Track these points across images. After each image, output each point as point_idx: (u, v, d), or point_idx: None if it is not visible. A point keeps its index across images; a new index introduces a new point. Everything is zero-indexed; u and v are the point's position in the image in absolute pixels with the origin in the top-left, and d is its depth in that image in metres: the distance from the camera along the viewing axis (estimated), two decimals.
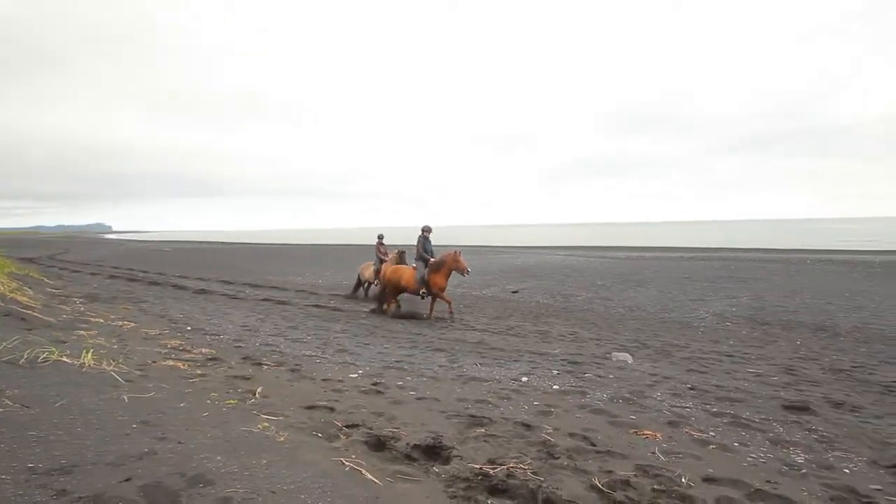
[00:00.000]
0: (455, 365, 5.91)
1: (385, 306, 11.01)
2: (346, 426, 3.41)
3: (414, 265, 10.85)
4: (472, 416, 3.78)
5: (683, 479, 2.77)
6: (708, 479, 2.81)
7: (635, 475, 2.81)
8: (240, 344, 6.48)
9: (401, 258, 12.25)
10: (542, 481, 2.63)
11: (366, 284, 13.66)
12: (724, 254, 30.43)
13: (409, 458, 2.93)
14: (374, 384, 4.71)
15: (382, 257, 13.26)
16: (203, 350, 5.66)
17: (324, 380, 4.80)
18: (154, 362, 4.67)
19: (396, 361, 6.00)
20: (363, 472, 2.57)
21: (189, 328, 7.42)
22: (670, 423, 3.84)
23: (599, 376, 5.49)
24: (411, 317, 10.60)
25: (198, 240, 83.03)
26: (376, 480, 2.50)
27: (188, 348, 5.69)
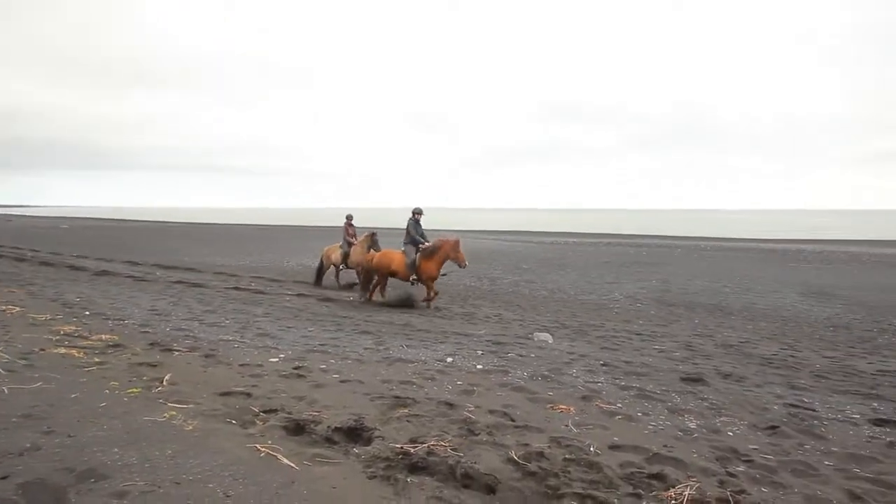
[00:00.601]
0: (381, 347, 5.88)
1: (369, 294, 10.41)
2: (264, 411, 3.28)
3: (403, 249, 10.12)
4: (397, 397, 3.79)
5: (592, 448, 2.96)
6: (613, 447, 3.02)
7: (549, 447, 2.95)
8: (147, 329, 6.00)
9: (373, 241, 11.64)
10: (461, 457, 2.69)
11: (338, 269, 12.68)
12: (638, 240, 32.67)
13: (329, 441, 2.88)
14: (296, 368, 4.57)
15: (351, 240, 12.42)
16: (103, 336, 5.19)
17: (241, 365, 4.58)
18: (42, 350, 4.21)
19: (321, 345, 5.86)
20: (279, 457, 2.49)
21: (87, 313, 6.76)
22: (583, 398, 4.08)
23: (521, 356, 5.71)
24: (404, 305, 9.90)
25: (101, 216, 75.51)
26: (293, 465, 2.43)
27: (85, 334, 5.18)
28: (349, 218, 12.99)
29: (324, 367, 4.71)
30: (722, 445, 3.17)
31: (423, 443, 2.86)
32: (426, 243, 9.73)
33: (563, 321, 8.71)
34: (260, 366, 4.59)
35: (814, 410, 4.05)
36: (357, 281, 11.76)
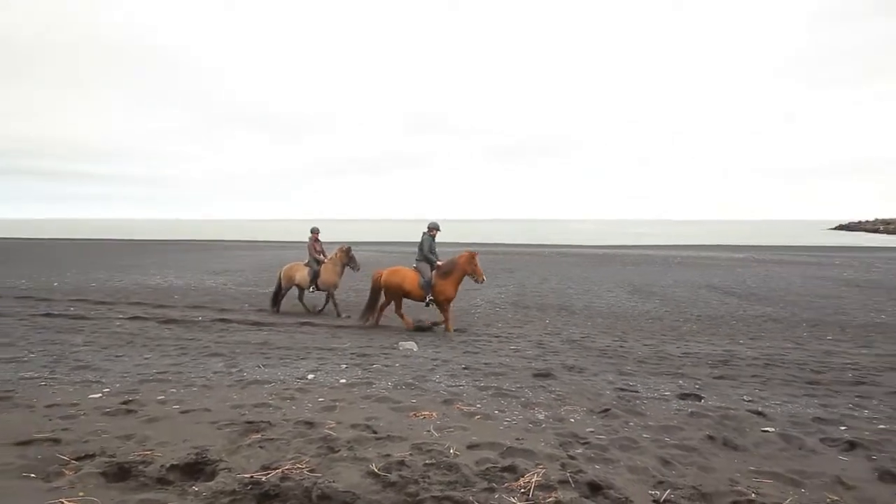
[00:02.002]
0: (234, 370, 5.38)
1: (376, 317, 9.12)
2: (77, 458, 2.77)
3: (415, 266, 9.06)
4: (249, 423, 3.49)
5: (451, 450, 3.04)
6: (471, 446, 3.14)
7: (410, 454, 2.96)
8: None
9: (349, 257, 10.35)
10: (318, 478, 2.56)
11: (302, 291, 10.83)
12: (498, 248, 34.98)
13: (161, 482, 2.52)
14: (125, 403, 3.95)
15: (319, 256, 10.69)
16: None
17: (49, 406, 3.81)
18: None
19: (159, 373, 5.16)
20: None
21: None
22: (445, 402, 4.19)
23: (386, 366, 5.69)
24: (422, 328, 8.79)
25: None
26: None
27: None
28: (315, 232, 11.04)
29: (161, 397, 4.14)
30: (565, 432, 3.49)
31: (276, 468, 2.66)
32: (440, 262, 8.86)
33: (428, 332, 8.90)
34: (75, 404, 3.87)
35: (637, 392, 4.70)
36: (321, 308, 10.47)
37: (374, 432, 3.39)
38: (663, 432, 3.54)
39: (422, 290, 8.77)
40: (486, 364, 5.90)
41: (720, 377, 5.56)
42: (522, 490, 2.51)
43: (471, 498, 2.42)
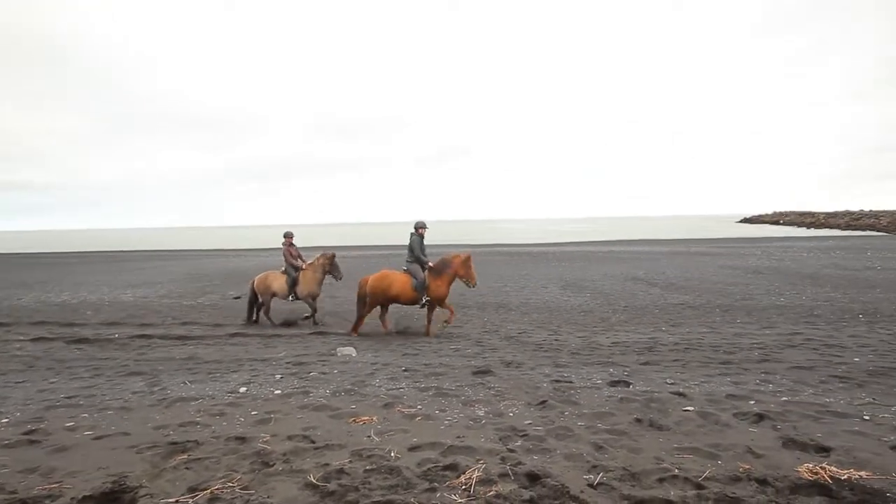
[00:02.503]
0: (156, 388, 5.01)
1: (354, 327, 8.74)
2: None
3: (405, 269, 8.73)
4: (174, 443, 3.25)
5: (392, 453, 3.00)
6: (412, 447, 3.12)
7: (350, 461, 2.90)
8: None
9: (333, 264, 9.74)
10: (251, 495, 2.44)
11: (268, 300, 9.99)
12: (434, 249, 35.15)
13: None
14: (27, 433, 3.56)
15: (296, 262, 9.92)
16: None
17: None
18: None
19: (68, 398, 4.69)
20: None
21: None
22: (385, 406, 4.14)
23: (324, 373, 5.53)
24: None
25: None
26: None
27: None
28: (288, 236, 10.27)
29: (71, 424, 3.77)
30: (504, 426, 3.56)
31: (205, 489, 2.50)
32: (431, 263, 8.69)
33: (366, 333, 8.77)
34: None
35: (571, 382, 4.89)
36: (309, 315, 9.83)
37: (312, 442, 3.28)
38: (596, 419, 3.71)
39: (416, 291, 8.63)
40: (425, 365, 5.90)
41: (646, 363, 5.91)
42: (464, 487, 2.53)
43: (412, 499, 2.40)
